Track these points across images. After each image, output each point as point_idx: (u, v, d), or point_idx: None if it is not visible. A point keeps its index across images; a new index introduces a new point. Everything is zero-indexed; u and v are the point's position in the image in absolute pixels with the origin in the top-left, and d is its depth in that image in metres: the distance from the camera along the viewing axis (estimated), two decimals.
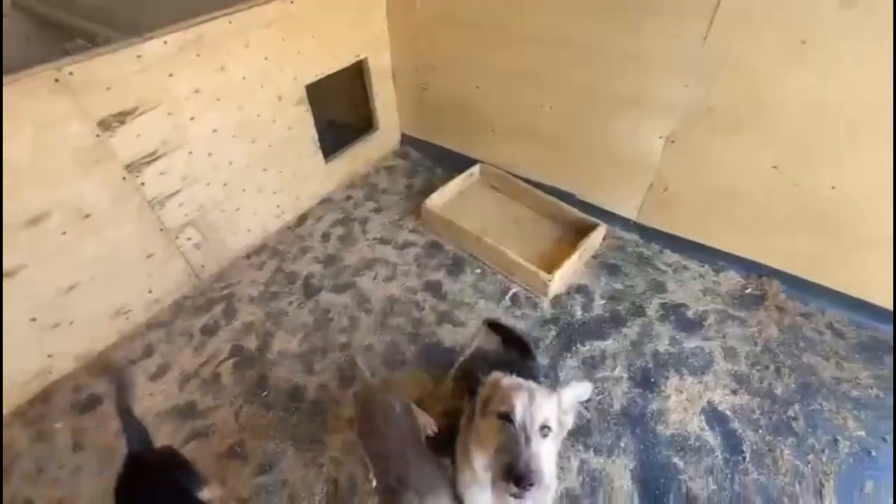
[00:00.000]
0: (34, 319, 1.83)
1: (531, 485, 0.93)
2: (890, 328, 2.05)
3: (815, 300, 2.18)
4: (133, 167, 1.90)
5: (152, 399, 1.93)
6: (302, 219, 2.79)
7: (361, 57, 2.71)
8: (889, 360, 1.98)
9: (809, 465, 1.68)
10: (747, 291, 2.29)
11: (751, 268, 2.32)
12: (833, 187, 1.89)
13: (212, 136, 2.13)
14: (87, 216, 1.83)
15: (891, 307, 2.02)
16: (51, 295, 1.84)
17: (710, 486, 1.64)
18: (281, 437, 1.80)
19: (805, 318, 2.16)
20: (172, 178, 2.06)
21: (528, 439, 0.98)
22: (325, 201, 2.91)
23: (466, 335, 2.14)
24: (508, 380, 1.12)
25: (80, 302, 1.94)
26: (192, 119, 2.03)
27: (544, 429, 1.00)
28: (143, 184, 1.96)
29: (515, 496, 0.97)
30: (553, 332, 2.13)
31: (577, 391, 1.13)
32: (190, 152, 2.08)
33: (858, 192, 1.86)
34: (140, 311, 2.19)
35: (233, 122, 2.19)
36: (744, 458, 1.70)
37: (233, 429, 1.83)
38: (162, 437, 1.81)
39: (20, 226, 1.66)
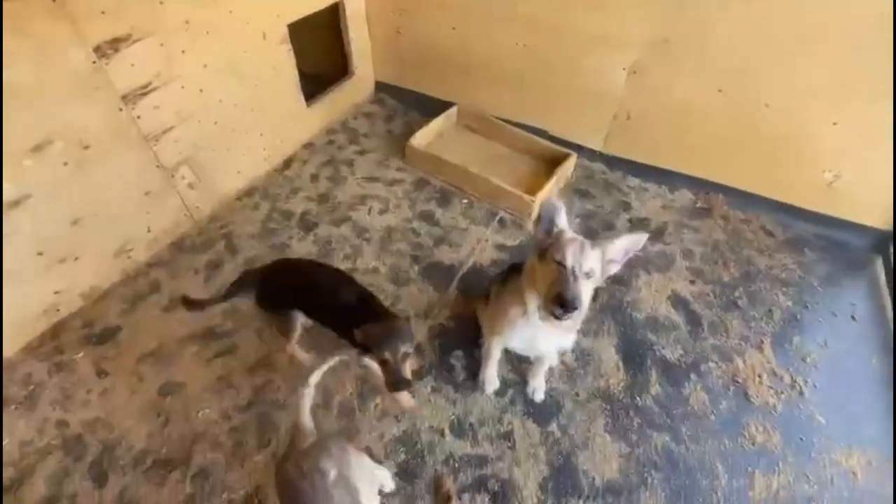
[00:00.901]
0: (41, 254, 1.82)
1: (575, 308, 1.17)
2: (807, 225, 2.48)
3: (751, 208, 2.58)
4: (129, 98, 1.89)
5: (170, 328, 2.00)
6: (288, 162, 2.84)
7: (338, 0, 2.75)
8: (809, 251, 2.42)
9: (752, 330, 2.06)
10: (698, 205, 2.65)
11: (700, 185, 2.68)
12: (766, 105, 2.24)
13: (202, 70, 2.14)
14: (87, 147, 1.82)
15: (809, 207, 2.45)
16: (56, 228, 1.84)
17: (678, 352, 1.98)
18: (306, 349, 1.93)
19: (744, 223, 2.55)
20: (166, 113, 2.06)
21: (575, 278, 1.20)
22: (308, 146, 2.97)
23: (462, 254, 2.35)
24: (568, 234, 1.27)
25: (84, 237, 1.94)
26: (182, 52, 2.03)
27: (588, 273, 1.23)
28: (138, 117, 1.96)
29: (559, 317, 1.20)
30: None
31: (628, 242, 1.27)
32: (182, 87, 2.08)
33: (786, 109, 2.22)
34: (141, 250, 2.21)
35: (221, 58, 2.20)
36: (702, 329, 2.06)
37: (257, 346, 1.94)
38: (187, 357, 1.90)
39: (25, 152, 1.65)
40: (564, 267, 1.21)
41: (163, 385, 1.82)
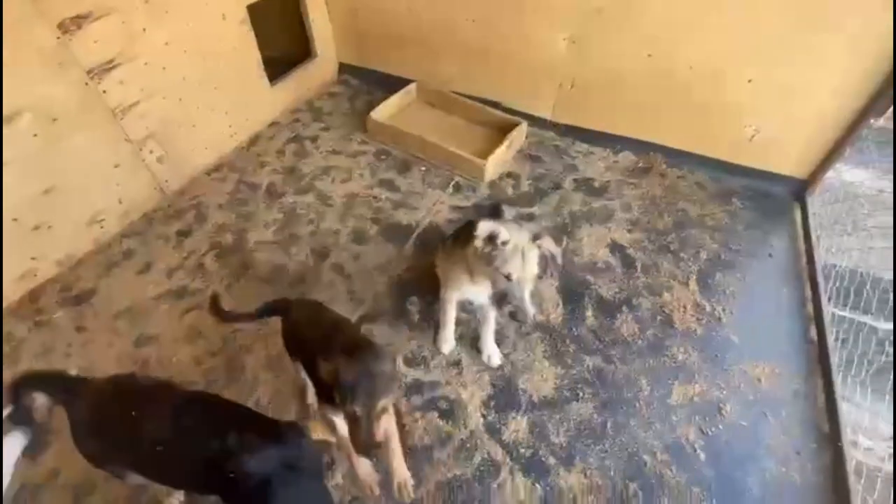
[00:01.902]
0: (16, 220, 1.95)
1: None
2: (735, 178, 2.71)
3: (686, 165, 2.80)
4: (94, 73, 2.02)
5: (143, 289, 2.14)
6: (254, 140, 2.98)
7: None
8: (736, 201, 2.65)
9: (680, 269, 2.29)
10: (639, 165, 2.87)
11: (641, 146, 2.89)
12: (690, 67, 2.46)
13: (164, 48, 2.26)
14: (55, 120, 1.95)
15: (735, 161, 2.68)
16: (29, 196, 1.96)
17: (613, 289, 2.19)
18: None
19: (680, 178, 2.77)
20: (131, 88, 2.19)
21: (520, 290, 1.37)
22: (274, 124, 3.11)
23: (420, 216, 2.53)
24: (509, 247, 1.35)
25: (56, 206, 2.07)
26: (143, 30, 2.16)
27: (529, 278, 1.39)
28: (104, 91, 2.09)
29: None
30: (490, 204, 2.58)
31: (553, 249, 1.47)
32: (145, 63, 2.21)
33: (707, 70, 2.43)
34: (113, 220, 2.33)
35: (183, 37, 2.33)
36: (636, 270, 2.28)
37: (227, 300, 2.09)
38: (161, 313, 2.05)
39: None
40: (509, 280, 1.37)
41: (138, 337, 1.96)
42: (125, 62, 2.13)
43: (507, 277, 1.39)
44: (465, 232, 1.70)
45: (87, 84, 2.01)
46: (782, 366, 1.91)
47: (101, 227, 2.30)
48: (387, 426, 1.17)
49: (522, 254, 1.37)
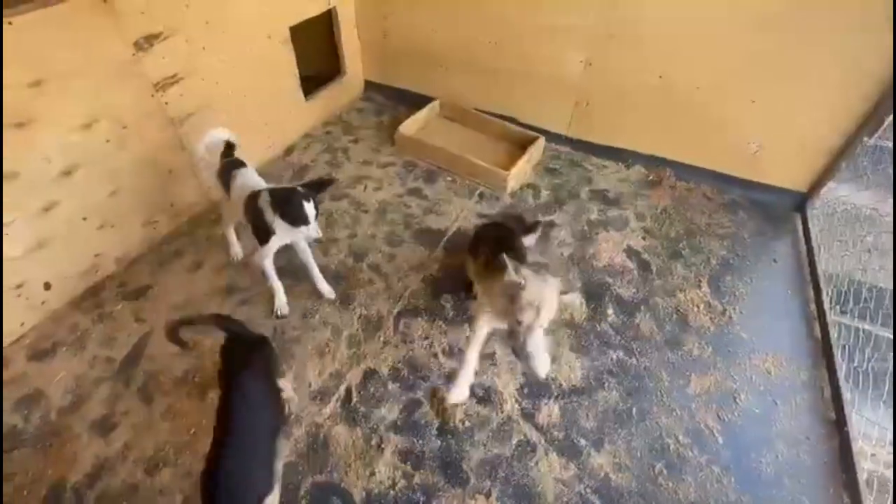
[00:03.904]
0: (85, 219, 2.11)
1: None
2: (739, 190, 2.92)
3: (694, 178, 3.01)
4: (159, 86, 2.22)
5: (195, 285, 2.29)
6: (289, 150, 3.17)
7: (332, 6, 3.12)
8: (741, 211, 2.85)
9: (692, 273, 2.46)
10: (649, 178, 3.07)
11: (651, 161, 3.10)
12: (698, 87, 2.69)
13: (219, 65, 2.47)
14: (125, 127, 2.13)
15: (739, 175, 2.89)
16: (98, 197, 2.13)
17: (631, 290, 2.36)
18: (315, 298, 2.25)
19: (688, 191, 2.98)
20: (189, 100, 2.38)
21: (526, 338, 1.47)
22: (307, 136, 3.31)
23: (448, 221, 2.71)
24: (526, 297, 1.42)
25: (119, 207, 2.24)
26: (203, 48, 2.36)
27: (542, 324, 1.46)
28: (166, 103, 2.28)
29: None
30: (513, 211, 2.77)
31: (568, 300, 1.59)
32: (202, 79, 2.41)
33: (713, 90, 2.65)
34: (165, 222, 2.50)
35: (234, 55, 2.54)
36: (651, 273, 2.45)
37: (271, 298, 2.25)
38: (212, 307, 2.19)
39: (76, 129, 1.95)
40: (520, 324, 1.45)
41: (193, 330, 2.10)
42: (185, 77, 2.33)
43: (518, 322, 1.46)
44: (490, 241, 1.89)
45: (153, 96, 2.20)
46: (790, 359, 2.07)
47: (155, 228, 2.46)
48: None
49: (538, 311, 1.42)
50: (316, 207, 1.82)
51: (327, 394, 1.90)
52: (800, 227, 2.74)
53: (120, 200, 2.22)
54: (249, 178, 2.07)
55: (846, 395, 1.89)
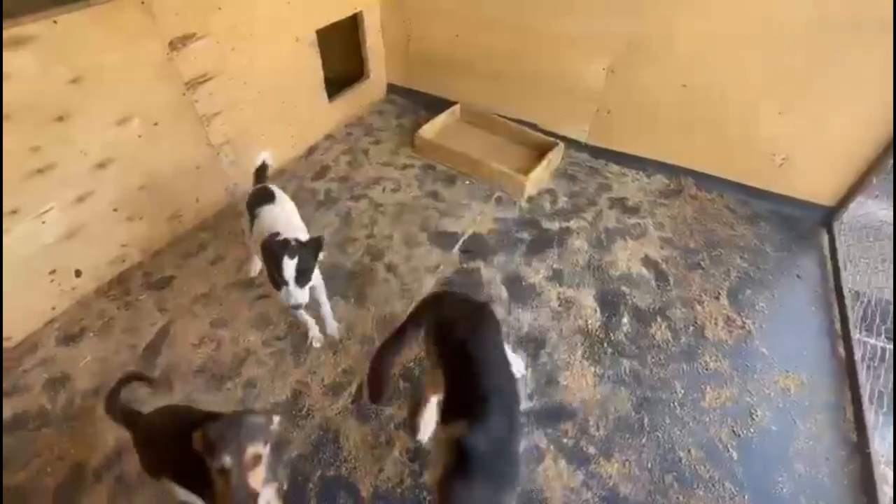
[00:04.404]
0: (116, 210, 2.20)
1: None
2: (762, 203, 2.86)
3: (716, 189, 2.96)
4: (190, 85, 2.30)
5: (216, 278, 2.36)
6: (311, 150, 3.24)
7: (358, 10, 3.19)
8: (765, 224, 2.78)
9: (711, 284, 2.42)
10: (670, 188, 3.03)
11: (672, 170, 3.06)
12: (722, 97, 2.64)
13: (247, 66, 2.55)
14: (157, 124, 2.22)
15: (764, 187, 2.83)
16: (128, 190, 2.22)
17: (647, 300, 2.33)
18: (330, 295, 2.28)
19: (710, 202, 2.93)
20: (217, 99, 2.46)
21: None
22: (329, 137, 3.37)
23: (465, 224, 2.72)
24: None
25: (147, 201, 2.32)
26: (232, 50, 2.44)
27: None
28: (196, 101, 2.36)
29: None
30: (529, 217, 2.77)
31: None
32: (230, 79, 2.49)
33: (738, 101, 2.61)
34: (190, 216, 2.58)
35: (262, 57, 2.61)
36: (669, 283, 2.42)
37: None
38: (233, 300, 2.25)
39: (110, 125, 2.04)
40: None
41: (213, 320, 2.17)
42: (215, 77, 2.41)
43: None
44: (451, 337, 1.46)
45: (183, 94, 2.29)
46: (811, 378, 2.01)
47: (180, 222, 2.54)
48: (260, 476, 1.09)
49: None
50: (304, 267, 1.60)
51: (340, 389, 1.93)
52: (826, 242, 2.67)
53: (148, 194, 2.31)
54: (270, 219, 1.89)
55: (869, 416, 1.82)
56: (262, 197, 2.01)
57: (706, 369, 2.05)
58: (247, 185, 2.83)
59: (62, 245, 2.05)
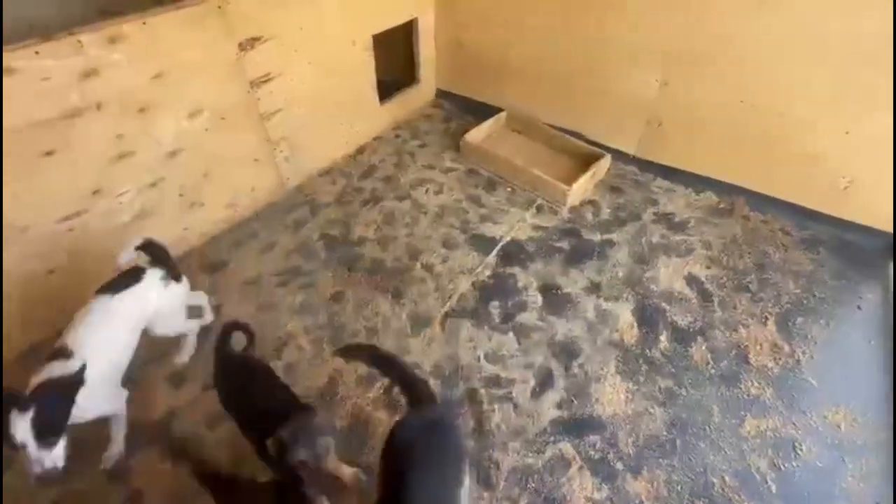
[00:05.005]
0: (182, 195, 2.38)
1: None
2: (823, 227, 2.70)
3: (771, 210, 2.82)
4: (255, 83, 2.46)
5: (265, 265, 2.50)
6: (361, 150, 3.37)
7: (414, 16, 3.29)
8: (823, 250, 2.63)
9: (759, 308, 2.31)
10: (720, 206, 2.92)
11: (724, 188, 2.95)
12: (783, 114, 2.53)
13: (307, 67, 2.69)
14: (223, 118, 2.39)
15: (825, 210, 2.68)
16: (193, 178, 2.40)
17: (688, 319, 2.26)
18: (369, 290, 2.38)
19: (764, 223, 2.80)
20: (277, 98, 2.62)
21: None
22: (378, 138, 3.49)
23: (503, 230, 2.74)
24: None
25: (209, 188, 2.50)
26: (295, 51, 2.59)
27: None
28: (259, 98, 2.52)
29: None
30: (570, 227, 2.75)
31: None
32: (291, 79, 2.64)
33: (801, 118, 2.49)
34: (245, 206, 2.75)
35: (321, 59, 2.76)
36: (713, 304, 2.33)
37: (331, 282, 2.41)
38: (279, 287, 2.38)
39: (182, 118, 2.22)
40: None
41: (259, 304, 2.30)
42: (277, 76, 2.56)
43: None
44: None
45: (248, 92, 2.45)
46: (865, 415, 1.89)
47: (235, 211, 2.71)
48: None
49: None
50: (50, 417, 1.30)
51: (373, 380, 2.00)
52: (890, 272, 2.49)
53: (210, 182, 2.48)
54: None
55: None
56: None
57: (747, 396, 1.96)
58: (300, 179, 3.02)
59: (134, 224, 2.24)
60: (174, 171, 2.29)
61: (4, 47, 1.63)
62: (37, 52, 1.69)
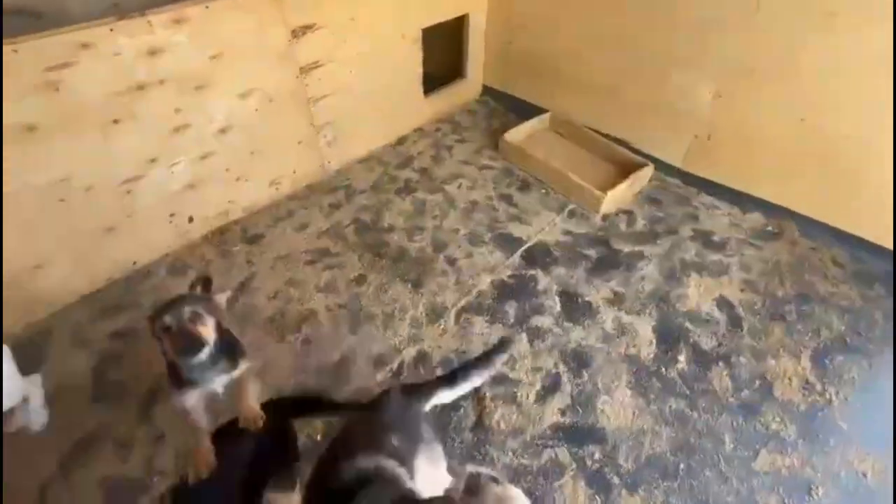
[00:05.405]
0: (228, 170, 2.55)
1: None
2: (882, 262, 2.48)
3: (822, 238, 2.63)
4: (304, 69, 2.58)
5: (298, 243, 2.63)
6: (401, 141, 3.44)
7: (466, 12, 3.31)
8: (878, 286, 2.43)
9: (793, 341, 2.18)
10: (767, 229, 2.76)
11: (774, 211, 2.78)
12: (848, 137, 2.35)
13: (355, 56, 2.79)
14: (272, 101, 2.53)
15: (885, 244, 2.46)
16: (240, 154, 2.56)
17: (712, 343, 2.17)
18: (391, 276, 2.45)
19: (813, 251, 2.61)
20: (325, 84, 2.73)
21: None
22: (418, 130, 3.55)
23: (531, 231, 2.73)
24: None
25: (254, 165, 2.65)
26: (344, 41, 2.69)
27: None
28: (307, 84, 2.64)
29: None
30: (601, 235, 2.69)
31: None
32: (339, 67, 2.74)
33: (867, 143, 2.30)
34: (286, 184, 2.90)
35: (370, 49, 2.84)
36: (742, 330, 2.22)
37: (356, 265, 2.50)
38: (307, 265, 2.50)
39: (234, 98, 2.37)
40: None
41: (288, 279, 2.43)
42: (325, 64, 2.67)
43: None
44: None
45: (297, 77, 2.57)
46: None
47: (277, 189, 2.86)
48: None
49: None
50: None
51: (382, 364, 2.07)
52: None
53: (256, 160, 2.64)
54: None
55: None
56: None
57: (766, 429, 1.86)
58: (339, 164, 3.14)
59: (183, 193, 2.42)
60: (223, 147, 2.45)
61: (84, 23, 1.82)
62: (111, 30, 1.87)
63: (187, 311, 1.26)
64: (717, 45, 2.54)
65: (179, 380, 1.36)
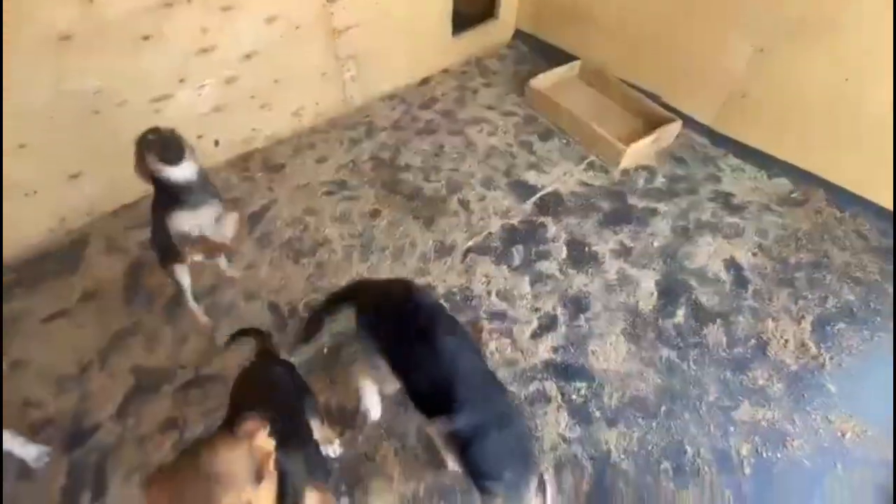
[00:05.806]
0: (252, 97, 2.60)
1: None
2: None
3: (850, 208, 2.54)
4: None
5: (317, 175, 2.71)
6: (425, 80, 3.39)
7: None
8: None
9: (797, 306, 2.18)
10: (792, 195, 2.67)
11: (801, 178, 2.68)
12: (889, 103, 2.21)
13: None
14: (298, 28, 2.52)
15: None
16: (265, 82, 2.59)
17: (713, 300, 2.19)
18: (404, 213, 2.51)
19: (837, 220, 2.54)
20: (351, 15, 2.69)
21: None
22: (445, 72, 3.48)
23: (547, 180, 2.72)
24: None
25: (278, 94, 2.69)
26: None
27: None
28: (332, 13, 2.61)
29: None
30: (617, 189, 2.67)
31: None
32: None
33: None
34: (309, 116, 2.94)
35: None
36: (745, 291, 2.23)
37: (372, 200, 2.57)
38: (324, 195, 2.58)
39: (261, 22, 2.38)
40: None
41: (306, 208, 2.53)
42: None
43: None
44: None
45: (324, 6, 2.54)
46: (879, 432, 1.79)
47: (299, 120, 2.91)
48: None
49: None
50: None
51: None
52: None
53: (280, 88, 2.67)
54: None
55: None
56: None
57: (752, 384, 1.92)
58: (362, 100, 3.14)
59: (210, 116, 2.50)
60: (248, 72, 2.48)
61: None
62: None
63: (168, 128, 1.43)
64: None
65: (170, 201, 1.47)
